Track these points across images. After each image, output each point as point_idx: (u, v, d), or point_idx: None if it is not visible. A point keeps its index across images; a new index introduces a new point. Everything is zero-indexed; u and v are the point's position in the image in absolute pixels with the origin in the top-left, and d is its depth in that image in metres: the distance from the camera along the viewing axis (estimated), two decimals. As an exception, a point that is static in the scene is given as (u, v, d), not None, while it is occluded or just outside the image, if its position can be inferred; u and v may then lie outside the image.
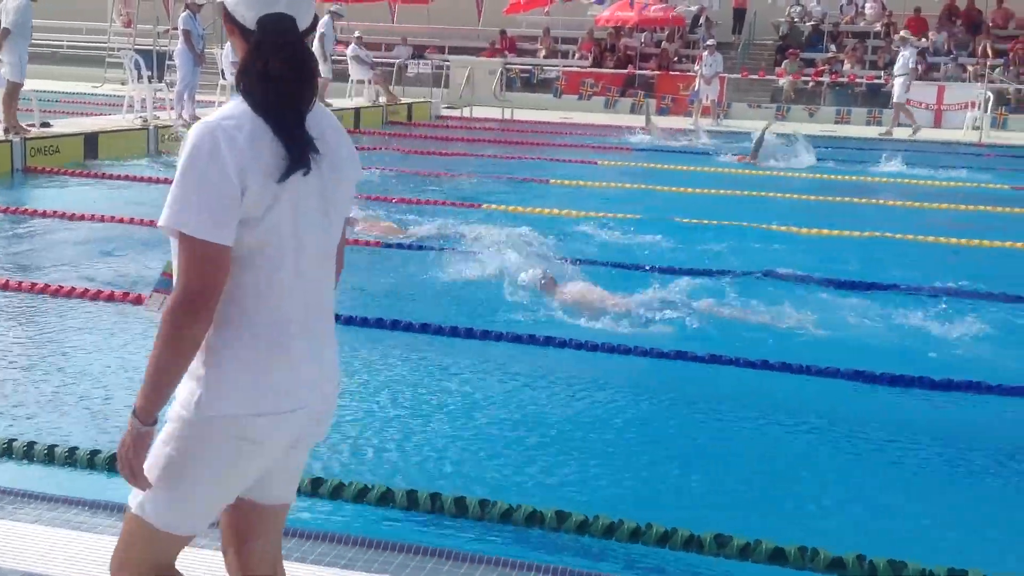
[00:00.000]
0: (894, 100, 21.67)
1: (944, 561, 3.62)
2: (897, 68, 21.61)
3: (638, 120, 21.64)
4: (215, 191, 2.15)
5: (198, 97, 16.45)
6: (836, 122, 23.81)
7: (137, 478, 2.26)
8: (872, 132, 21.91)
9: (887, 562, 3.60)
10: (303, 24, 2.28)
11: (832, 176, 15.03)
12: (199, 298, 2.16)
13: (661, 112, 25.25)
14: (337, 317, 6.41)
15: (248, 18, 2.24)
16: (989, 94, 21.55)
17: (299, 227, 2.28)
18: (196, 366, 2.25)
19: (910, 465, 4.94)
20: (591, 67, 27.44)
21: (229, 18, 2.28)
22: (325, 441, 4.53)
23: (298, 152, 2.23)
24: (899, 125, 21.49)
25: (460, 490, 4.11)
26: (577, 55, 28.57)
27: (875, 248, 9.81)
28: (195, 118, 15.88)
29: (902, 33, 23.85)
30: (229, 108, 2.25)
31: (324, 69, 20.09)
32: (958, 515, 4.44)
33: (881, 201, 12.79)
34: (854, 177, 15.10)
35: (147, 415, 2.23)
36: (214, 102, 18.09)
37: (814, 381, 5.91)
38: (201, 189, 2.15)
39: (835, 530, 4.09)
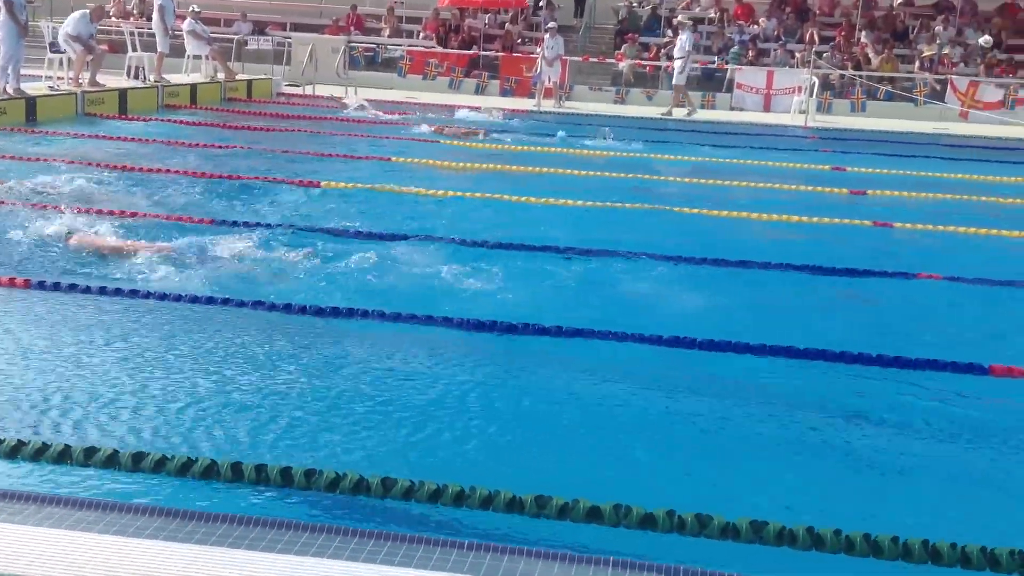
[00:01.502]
0: (673, 83, 22.62)
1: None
2: (676, 51, 22.55)
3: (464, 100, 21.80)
4: None
5: (24, 71, 15.70)
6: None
7: None
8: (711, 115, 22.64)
9: (694, 516, 3.81)
10: None
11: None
12: None
13: (505, 93, 25.51)
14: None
15: None
16: (815, 79, 22.57)
17: None
18: None
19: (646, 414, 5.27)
20: (436, 47, 27.44)
21: None
22: (150, 418, 4.58)
23: None
24: (678, 107, 22.63)
25: (284, 460, 4.15)
26: (422, 35, 28.51)
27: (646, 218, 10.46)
28: (19, 91, 15.20)
29: (680, 18, 24.91)
30: None
31: (162, 43, 19.49)
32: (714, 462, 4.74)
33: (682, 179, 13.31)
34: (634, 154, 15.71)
35: None
36: (40, 76, 17.32)
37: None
38: None
39: (647, 490, 4.30)
